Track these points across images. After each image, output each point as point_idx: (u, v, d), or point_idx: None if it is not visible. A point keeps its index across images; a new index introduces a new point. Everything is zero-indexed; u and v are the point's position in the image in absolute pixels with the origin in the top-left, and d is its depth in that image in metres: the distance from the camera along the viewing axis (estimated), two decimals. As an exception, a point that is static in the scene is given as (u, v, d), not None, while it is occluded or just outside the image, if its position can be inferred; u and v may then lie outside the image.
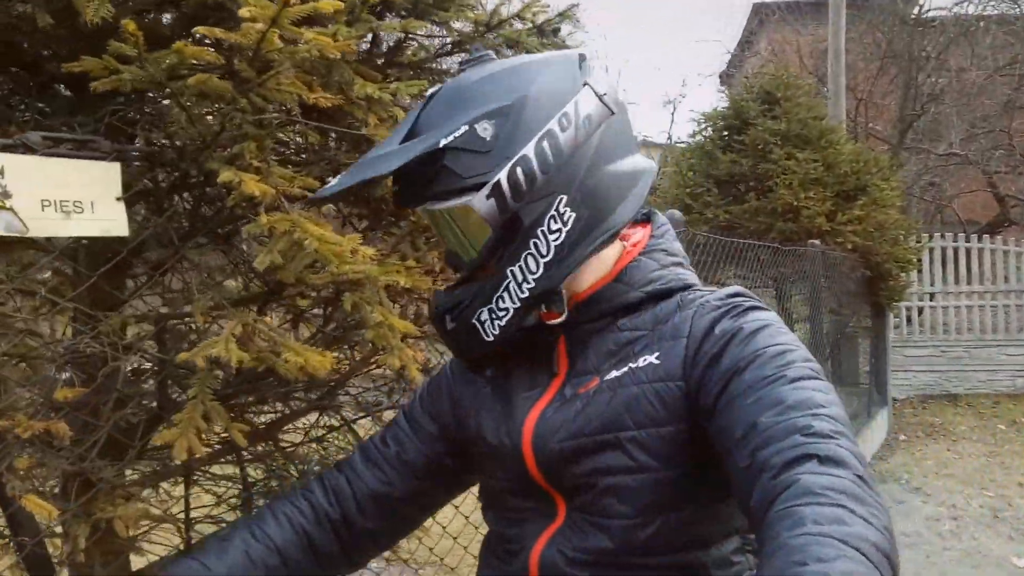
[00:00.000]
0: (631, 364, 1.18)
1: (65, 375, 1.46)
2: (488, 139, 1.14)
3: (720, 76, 23.42)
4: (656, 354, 1.17)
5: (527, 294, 1.18)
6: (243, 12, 1.33)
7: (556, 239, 1.16)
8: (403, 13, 1.90)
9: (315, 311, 1.99)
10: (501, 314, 1.19)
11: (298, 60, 1.49)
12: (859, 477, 0.92)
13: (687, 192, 8.60)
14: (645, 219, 1.37)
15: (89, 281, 1.44)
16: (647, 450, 1.14)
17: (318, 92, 1.58)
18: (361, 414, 2.22)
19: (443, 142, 1.14)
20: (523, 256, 1.17)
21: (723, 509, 1.18)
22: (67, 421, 1.41)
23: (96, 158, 1.41)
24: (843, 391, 9.24)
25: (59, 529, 1.46)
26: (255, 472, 2.06)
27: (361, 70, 1.77)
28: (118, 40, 1.36)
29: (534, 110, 1.16)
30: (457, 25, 2.01)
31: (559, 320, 1.23)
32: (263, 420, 2.12)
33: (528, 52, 1.90)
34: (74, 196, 1.35)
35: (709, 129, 9.16)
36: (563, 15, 2.11)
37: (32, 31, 1.53)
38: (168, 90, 1.42)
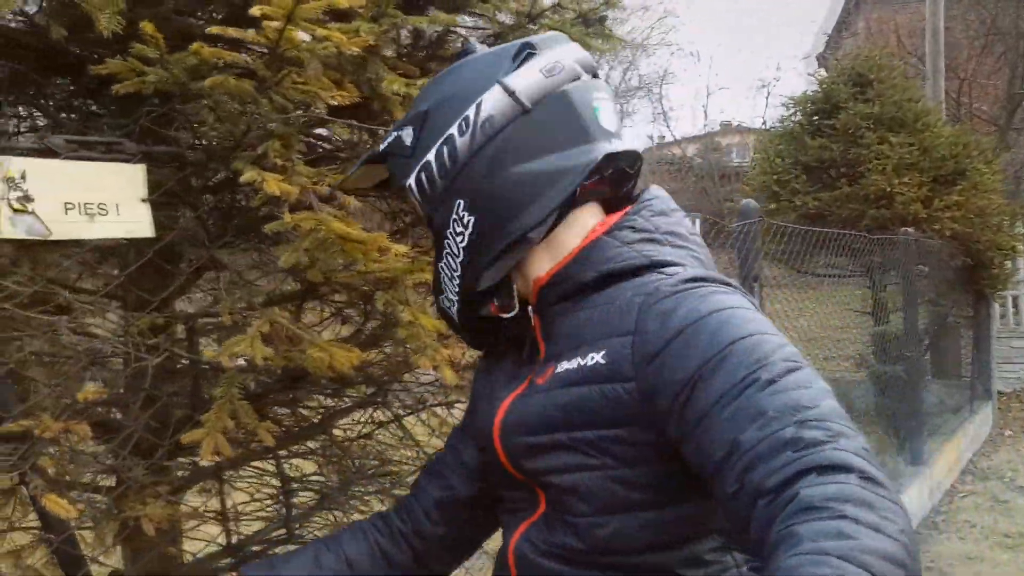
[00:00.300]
0: (580, 360, 1.12)
1: (89, 375, 1.49)
2: (408, 144, 1.21)
3: (817, 59, 22.85)
4: (603, 352, 1.10)
5: (457, 290, 1.22)
6: (254, 11, 1.32)
7: (461, 242, 1.18)
8: (444, 6, 1.88)
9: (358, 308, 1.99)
10: (452, 303, 1.25)
11: (323, 57, 1.48)
12: (866, 479, 0.82)
13: (775, 179, 8.33)
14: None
15: (116, 281, 1.46)
16: (601, 450, 1.09)
17: (348, 89, 1.56)
18: (409, 410, 2.21)
19: (380, 148, 1.25)
20: (444, 255, 1.22)
21: (694, 508, 1.10)
22: (101, 420, 1.43)
23: (122, 160, 1.42)
24: (943, 384, 8.87)
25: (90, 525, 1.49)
26: (292, 471, 2.07)
27: (399, 65, 1.75)
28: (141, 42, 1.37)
29: (442, 114, 1.18)
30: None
31: (510, 314, 1.24)
32: (315, 416, 2.14)
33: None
34: (98, 198, 1.37)
35: (798, 114, 8.88)
36: (608, 2, 2.05)
37: (74, 35, 1.56)
38: (191, 91, 1.43)
